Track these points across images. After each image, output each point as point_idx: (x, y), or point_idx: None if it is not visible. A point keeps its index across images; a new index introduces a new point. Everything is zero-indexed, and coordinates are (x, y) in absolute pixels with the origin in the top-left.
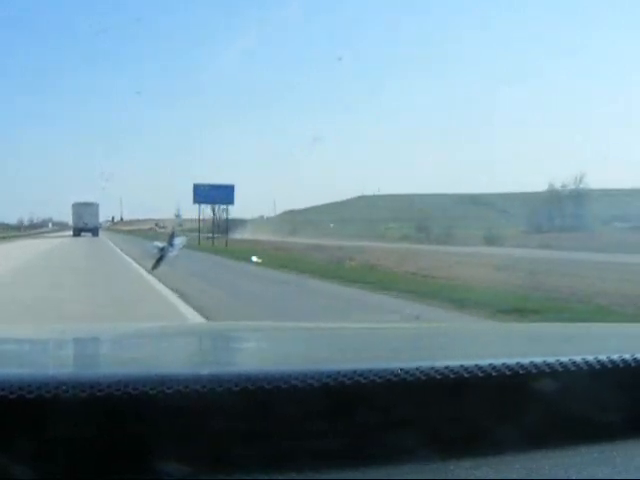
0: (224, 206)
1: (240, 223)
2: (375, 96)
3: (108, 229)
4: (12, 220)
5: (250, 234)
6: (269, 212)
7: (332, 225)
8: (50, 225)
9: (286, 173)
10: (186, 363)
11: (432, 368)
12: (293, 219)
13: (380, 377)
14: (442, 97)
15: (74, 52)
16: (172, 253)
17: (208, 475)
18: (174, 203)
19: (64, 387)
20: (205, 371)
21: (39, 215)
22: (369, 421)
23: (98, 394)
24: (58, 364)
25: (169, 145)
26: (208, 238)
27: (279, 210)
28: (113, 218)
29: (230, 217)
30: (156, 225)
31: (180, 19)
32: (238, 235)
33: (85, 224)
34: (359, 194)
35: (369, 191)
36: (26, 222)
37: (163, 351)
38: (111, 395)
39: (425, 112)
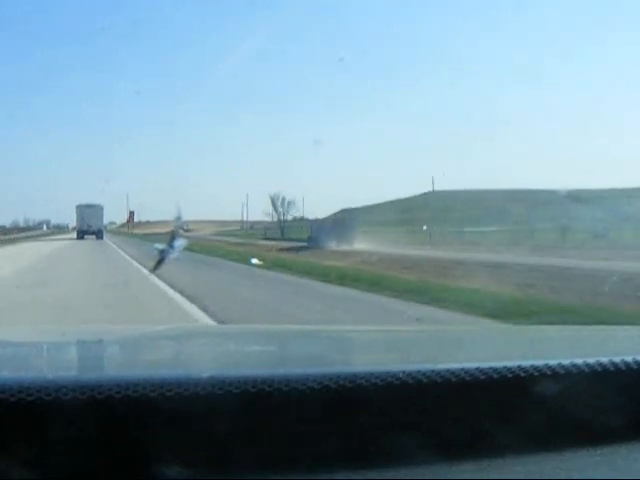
0: (288, 202)
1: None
2: (436, 87)
3: (120, 233)
4: (8, 222)
5: (366, 243)
6: (306, 212)
7: (425, 227)
8: (45, 227)
9: (322, 171)
10: (186, 366)
11: (433, 371)
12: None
13: (381, 380)
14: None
15: (76, 51)
16: (172, 255)
17: (208, 477)
18: (186, 205)
19: (64, 390)
20: (205, 374)
21: (37, 217)
22: (370, 424)
23: (98, 397)
24: (58, 367)
25: (174, 146)
26: (288, 249)
27: (329, 209)
28: (131, 213)
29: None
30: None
31: (181, 20)
32: (344, 244)
33: (89, 226)
34: (427, 189)
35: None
36: (22, 224)
37: (163, 354)
38: (111, 398)
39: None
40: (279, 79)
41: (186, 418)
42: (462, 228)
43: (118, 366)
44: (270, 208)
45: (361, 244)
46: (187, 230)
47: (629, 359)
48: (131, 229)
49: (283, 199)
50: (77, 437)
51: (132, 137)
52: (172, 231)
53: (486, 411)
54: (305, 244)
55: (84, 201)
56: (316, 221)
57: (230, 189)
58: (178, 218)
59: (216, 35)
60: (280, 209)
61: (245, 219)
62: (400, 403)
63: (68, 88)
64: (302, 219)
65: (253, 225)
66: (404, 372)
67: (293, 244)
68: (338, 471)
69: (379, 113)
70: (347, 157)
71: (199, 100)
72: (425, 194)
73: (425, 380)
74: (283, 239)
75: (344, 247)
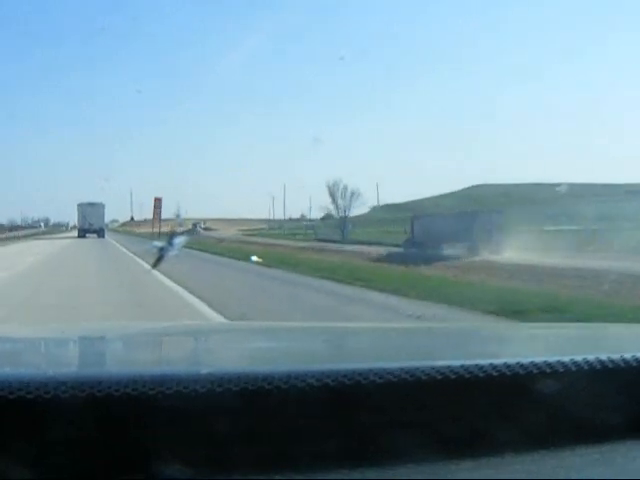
0: (352, 193)
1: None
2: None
3: (123, 232)
4: (5, 220)
5: (518, 250)
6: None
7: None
8: (42, 226)
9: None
10: (186, 363)
11: (433, 368)
12: (399, 216)
13: (380, 377)
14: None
15: (76, 51)
16: (172, 252)
17: (207, 475)
18: (200, 203)
19: (63, 387)
20: (205, 371)
21: (36, 215)
22: (369, 421)
23: (97, 394)
24: (57, 364)
25: (175, 145)
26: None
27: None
28: (157, 201)
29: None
30: (194, 225)
31: (181, 20)
32: (483, 252)
33: (90, 225)
34: (472, 183)
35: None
36: (20, 222)
37: (163, 351)
38: (110, 395)
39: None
40: (279, 79)
41: (185, 415)
42: (539, 227)
43: (118, 363)
44: (319, 201)
45: (512, 252)
46: (206, 229)
47: (628, 356)
48: (159, 228)
49: (344, 188)
50: (76, 434)
51: (133, 136)
52: (191, 229)
53: (485, 409)
54: (399, 249)
55: (85, 199)
56: (423, 217)
57: (240, 188)
58: (178, 216)
59: (216, 35)
60: (340, 201)
61: (279, 217)
62: (399, 400)
63: (68, 88)
64: (330, 217)
65: (282, 224)
66: (403, 369)
67: (372, 248)
68: (338, 469)
69: (379, 112)
70: (348, 156)
71: (199, 100)
72: (470, 188)
73: (424, 377)
74: (345, 241)
75: (483, 255)
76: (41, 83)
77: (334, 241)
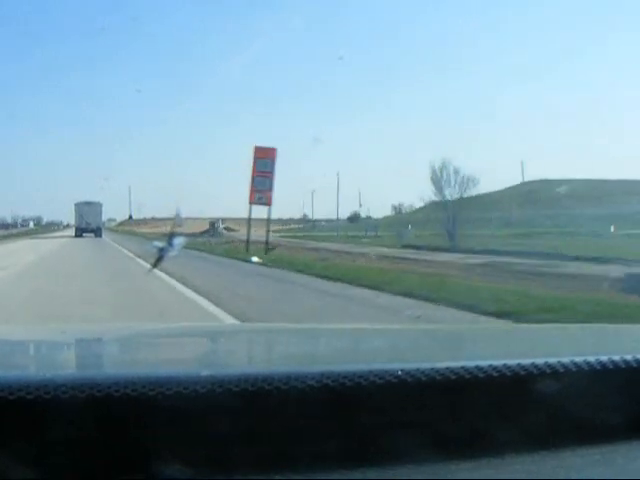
0: (464, 178)
1: None
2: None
3: (121, 231)
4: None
5: None
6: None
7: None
8: (31, 224)
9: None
10: (186, 364)
11: (433, 369)
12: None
13: (380, 378)
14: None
15: (76, 51)
16: (171, 253)
17: (207, 475)
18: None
19: (63, 388)
20: (205, 372)
21: (28, 213)
22: (369, 422)
23: (97, 395)
24: (57, 365)
25: (174, 144)
26: None
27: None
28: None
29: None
30: (212, 225)
31: (181, 20)
32: None
33: (88, 224)
34: (516, 182)
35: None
36: (10, 220)
37: (163, 352)
38: (110, 396)
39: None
40: (279, 79)
41: (185, 416)
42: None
43: (117, 364)
44: (320, 201)
45: None
46: (227, 229)
47: (629, 357)
48: (123, 229)
49: (455, 172)
50: (76, 435)
51: (133, 136)
52: (209, 229)
53: (485, 409)
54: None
55: (83, 199)
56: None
57: (240, 188)
58: (177, 215)
59: (216, 35)
60: (446, 191)
61: (286, 217)
62: (399, 401)
63: (68, 88)
64: (357, 218)
65: (315, 223)
66: (403, 370)
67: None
68: (338, 469)
69: (379, 112)
70: (347, 156)
71: (199, 100)
72: (517, 186)
73: (424, 378)
74: (458, 249)
75: None
76: (41, 83)
77: (442, 249)
